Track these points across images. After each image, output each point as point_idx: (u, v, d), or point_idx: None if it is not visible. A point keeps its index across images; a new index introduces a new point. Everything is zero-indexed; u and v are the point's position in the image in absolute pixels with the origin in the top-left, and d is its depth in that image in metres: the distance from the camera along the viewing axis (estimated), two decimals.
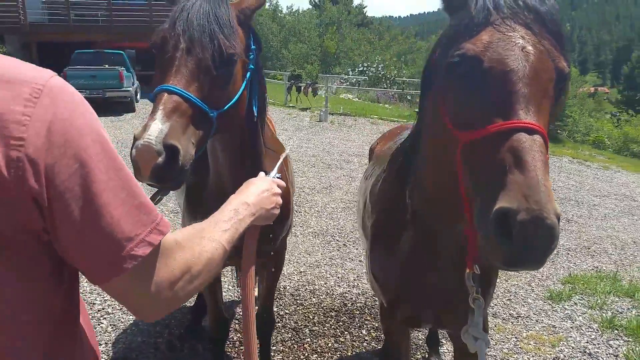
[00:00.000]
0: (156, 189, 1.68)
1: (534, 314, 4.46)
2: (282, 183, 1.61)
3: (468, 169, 1.24)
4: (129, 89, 15.87)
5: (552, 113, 1.23)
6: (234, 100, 1.89)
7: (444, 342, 3.84)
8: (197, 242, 1.07)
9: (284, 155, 1.98)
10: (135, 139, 1.56)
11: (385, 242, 2.00)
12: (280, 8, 55.65)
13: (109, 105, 15.37)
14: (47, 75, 0.83)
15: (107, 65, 16.47)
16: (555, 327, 4.21)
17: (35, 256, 0.84)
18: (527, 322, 4.30)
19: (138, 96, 18.36)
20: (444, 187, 1.62)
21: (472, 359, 2.22)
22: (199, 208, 2.51)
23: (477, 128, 1.20)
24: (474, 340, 1.36)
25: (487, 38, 1.23)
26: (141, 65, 23.88)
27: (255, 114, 2.14)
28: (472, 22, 1.26)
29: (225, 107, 1.84)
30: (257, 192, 1.43)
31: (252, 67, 2.03)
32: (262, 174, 1.63)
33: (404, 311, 2.06)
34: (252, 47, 2.03)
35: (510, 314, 4.41)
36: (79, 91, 0.88)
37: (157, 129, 1.55)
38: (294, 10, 58.38)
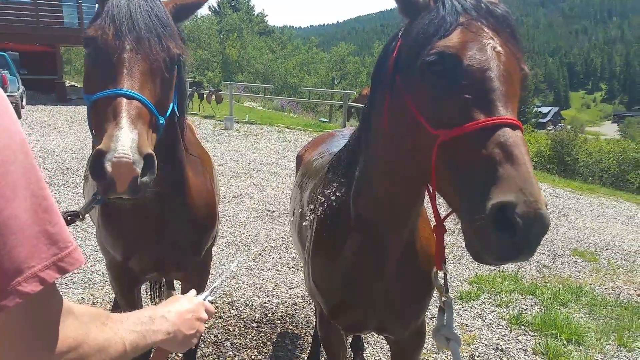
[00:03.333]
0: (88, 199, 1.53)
1: None
2: (212, 309, 1.40)
3: (447, 167, 1.23)
4: (13, 93, 14.60)
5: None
6: (172, 105, 1.77)
7: (367, 345, 3.86)
8: (97, 325, 0.89)
9: (222, 277, 1.76)
10: (103, 152, 1.38)
11: (328, 248, 1.95)
12: None
13: None
14: None
15: None
16: (468, 326, 4.40)
17: None
18: None
19: (24, 102, 16.96)
20: (397, 189, 1.59)
21: None
22: (115, 222, 2.33)
23: (458, 125, 1.19)
24: (447, 341, 1.35)
25: (461, 38, 1.23)
26: (27, 69, 22.10)
27: (178, 115, 2.01)
28: (443, 22, 1.25)
29: (168, 113, 1.72)
30: (179, 311, 1.21)
31: (176, 66, 1.92)
32: (192, 292, 1.43)
33: (346, 317, 2.02)
34: None
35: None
36: None
37: (129, 138, 1.40)
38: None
